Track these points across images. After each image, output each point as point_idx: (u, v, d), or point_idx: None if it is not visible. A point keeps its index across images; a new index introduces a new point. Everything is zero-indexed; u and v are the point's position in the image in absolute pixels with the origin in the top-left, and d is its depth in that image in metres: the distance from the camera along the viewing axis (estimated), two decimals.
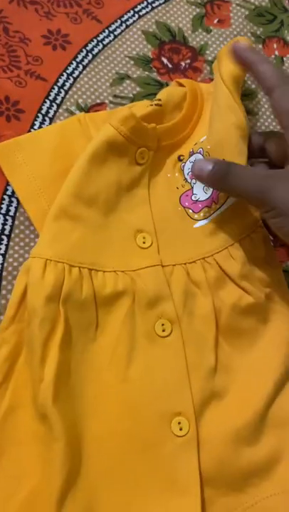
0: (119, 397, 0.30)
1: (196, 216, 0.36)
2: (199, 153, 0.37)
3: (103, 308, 0.32)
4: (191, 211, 0.36)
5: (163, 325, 0.32)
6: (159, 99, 0.37)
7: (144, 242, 0.35)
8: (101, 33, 0.44)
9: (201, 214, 0.36)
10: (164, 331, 0.32)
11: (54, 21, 0.43)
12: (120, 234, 0.34)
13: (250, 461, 0.30)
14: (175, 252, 0.35)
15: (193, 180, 0.37)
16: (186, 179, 0.37)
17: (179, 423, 0.30)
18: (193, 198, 0.37)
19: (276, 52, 0.47)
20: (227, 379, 0.32)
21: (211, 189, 0.36)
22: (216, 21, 0.46)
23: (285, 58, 0.47)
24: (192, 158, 0.37)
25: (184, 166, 0.37)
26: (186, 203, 0.37)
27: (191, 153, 0.37)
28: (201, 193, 0.36)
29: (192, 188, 0.37)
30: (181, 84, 0.40)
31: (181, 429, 0.30)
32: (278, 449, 0.31)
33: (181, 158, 0.37)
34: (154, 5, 0.46)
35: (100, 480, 0.29)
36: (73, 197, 0.33)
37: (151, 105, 0.37)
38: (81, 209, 0.33)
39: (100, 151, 0.34)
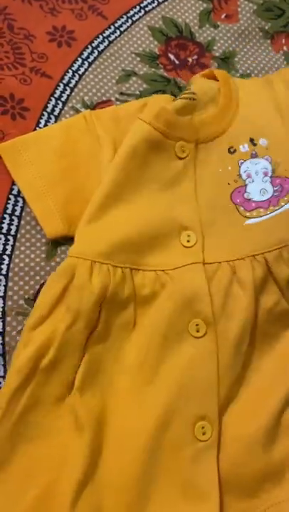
0: (146, 397, 0.30)
1: (247, 214, 0.35)
2: (267, 160, 0.36)
3: (141, 308, 0.32)
4: (242, 208, 0.35)
5: (197, 325, 0.31)
6: (193, 93, 0.37)
7: (188, 241, 0.34)
8: (107, 30, 0.43)
9: (254, 213, 0.35)
10: (198, 331, 0.31)
11: (59, 18, 0.43)
12: (164, 232, 0.34)
13: (265, 464, 0.29)
14: (222, 249, 0.33)
15: (249, 179, 0.36)
16: (240, 175, 0.36)
17: (203, 427, 0.29)
18: (245, 196, 0.35)
19: (285, 48, 0.46)
20: (243, 382, 0.31)
21: (270, 192, 0.35)
22: (223, 16, 0.46)
23: None
24: (255, 161, 0.36)
25: (242, 162, 0.36)
26: (238, 200, 0.35)
27: (254, 155, 0.36)
28: (257, 194, 0.35)
29: (246, 185, 0.36)
30: (208, 76, 0.39)
31: (204, 434, 0.29)
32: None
33: (232, 150, 0.36)
34: (160, 0, 0.45)
35: (117, 478, 0.29)
36: (113, 197, 0.33)
37: (184, 98, 0.36)
38: (123, 208, 0.33)
39: (138, 149, 0.34)
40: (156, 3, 0.45)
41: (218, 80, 0.38)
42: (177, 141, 0.35)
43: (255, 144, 0.36)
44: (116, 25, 0.44)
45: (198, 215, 0.34)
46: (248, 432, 0.30)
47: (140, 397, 0.30)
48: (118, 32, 0.43)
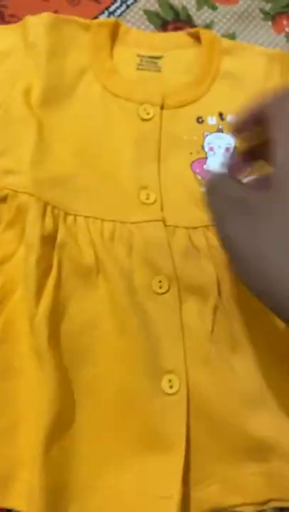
0: (115, 348, 0.31)
1: (204, 183, 0.35)
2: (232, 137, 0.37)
3: (102, 257, 0.32)
4: (200, 177, 0.36)
5: (160, 282, 0.32)
6: (160, 67, 0.38)
7: (147, 198, 0.34)
8: (100, 15, 0.42)
9: None
10: (160, 287, 0.32)
11: (51, 3, 0.42)
12: (124, 188, 0.35)
13: (238, 432, 0.30)
14: (179, 214, 0.34)
15: (211, 152, 0.37)
16: (203, 147, 0.37)
17: (170, 381, 0.30)
18: (205, 167, 0.37)
19: (286, 29, 0.44)
20: (225, 348, 0.32)
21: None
22: None
23: None
24: (220, 136, 0.37)
25: (207, 135, 0.37)
26: (197, 170, 0.36)
27: (220, 130, 0.37)
28: (217, 167, 0.36)
29: (207, 158, 0.37)
30: (194, 36, 0.40)
31: (171, 387, 0.30)
32: (268, 435, 0.30)
33: (200, 120, 0.37)
34: None
35: (85, 429, 0.30)
36: (77, 150, 0.35)
37: (147, 70, 0.38)
38: (85, 160, 0.35)
39: (102, 106, 0.36)
40: None
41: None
42: (141, 104, 0.36)
43: (223, 119, 0.37)
44: (110, 10, 0.42)
45: (158, 178, 0.35)
46: (226, 394, 0.30)
47: (109, 348, 0.31)
48: (112, 17, 0.42)
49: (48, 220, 0.32)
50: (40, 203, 0.32)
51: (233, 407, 0.30)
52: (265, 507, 0.30)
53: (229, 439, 0.30)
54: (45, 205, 0.32)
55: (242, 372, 0.31)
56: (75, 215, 0.33)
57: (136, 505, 0.29)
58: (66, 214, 0.33)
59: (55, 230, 0.32)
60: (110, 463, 0.29)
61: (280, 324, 0.32)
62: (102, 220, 0.33)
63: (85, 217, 0.33)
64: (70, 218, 0.33)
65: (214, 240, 0.34)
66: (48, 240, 0.32)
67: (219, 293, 0.33)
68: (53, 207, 0.32)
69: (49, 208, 0.32)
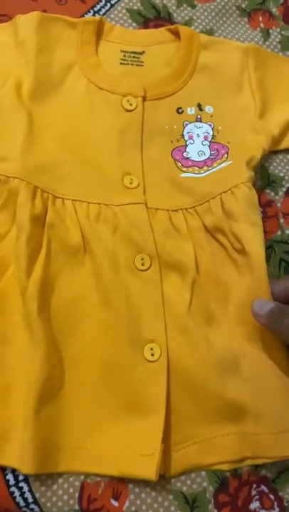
0: (100, 320, 0.33)
1: (184, 169, 0.39)
2: (210, 126, 0.40)
3: (88, 237, 0.35)
4: (180, 164, 0.39)
5: (142, 259, 0.34)
6: (142, 62, 0.41)
7: (130, 183, 0.37)
8: (86, 14, 0.44)
9: (190, 169, 0.39)
10: (143, 265, 0.34)
11: (39, 3, 0.44)
12: (108, 173, 0.37)
13: (215, 396, 0.32)
14: (160, 198, 0.37)
15: (190, 140, 0.39)
16: (183, 135, 0.39)
17: (151, 349, 0.32)
18: (184, 154, 0.39)
19: (262, 25, 0.47)
20: (201, 321, 0.34)
21: (206, 155, 0.39)
22: None
23: (270, 31, 0.47)
24: (199, 125, 0.40)
25: (186, 124, 0.40)
26: (177, 157, 0.39)
27: (198, 119, 0.40)
28: (195, 155, 0.39)
29: (186, 145, 0.39)
30: (173, 31, 0.42)
31: (152, 355, 0.32)
32: (242, 398, 0.32)
33: (180, 111, 0.40)
34: None
35: (73, 394, 0.32)
36: (63, 139, 0.37)
37: (130, 64, 0.41)
38: (72, 148, 0.37)
39: (87, 99, 0.39)
40: None
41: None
42: (124, 96, 0.39)
43: (201, 110, 0.40)
44: (95, 9, 0.45)
45: (141, 164, 0.38)
46: (204, 361, 0.32)
47: (94, 320, 0.33)
48: (97, 15, 0.44)
49: (38, 203, 0.34)
50: (30, 187, 0.35)
51: (210, 374, 0.32)
52: (240, 465, 0.33)
53: (206, 403, 0.32)
54: (35, 188, 0.35)
55: (216, 343, 0.33)
56: (63, 199, 0.35)
57: (119, 461, 0.31)
58: (55, 197, 0.35)
59: (45, 212, 0.35)
60: (96, 425, 0.31)
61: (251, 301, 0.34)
62: (88, 203, 0.36)
63: (72, 200, 0.35)
64: (58, 201, 0.35)
65: (193, 221, 0.36)
66: (38, 221, 0.34)
67: (197, 270, 0.35)
68: (42, 191, 0.35)
69: (39, 192, 0.35)
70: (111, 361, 0.32)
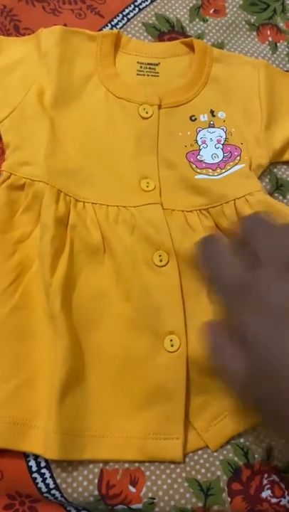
0: (120, 314, 0.35)
1: (198, 170, 0.40)
2: (222, 130, 0.42)
3: (108, 237, 0.36)
4: (194, 166, 0.41)
5: (160, 256, 0.36)
6: (157, 73, 0.43)
7: (147, 186, 0.39)
8: (104, 27, 0.47)
9: (204, 171, 0.40)
10: (161, 261, 0.36)
11: (60, 17, 0.47)
12: (126, 177, 0.39)
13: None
14: (175, 199, 0.39)
15: (204, 145, 0.41)
16: (196, 141, 0.41)
17: (171, 340, 0.34)
18: (198, 157, 0.41)
19: (270, 39, 0.49)
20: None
21: (220, 157, 0.41)
22: (212, 11, 0.49)
23: (278, 44, 0.49)
24: (212, 130, 0.42)
25: (199, 130, 0.42)
26: (191, 159, 0.41)
27: (211, 125, 0.42)
28: (208, 157, 0.41)
29: (200, 150, 0.41)
30: (187, 44, 0.45)
31: (172, 346, 0.34)
32: None
33: (193, 118, 0.42)
34: None
35: (96, 384, 0.33)
36: (83, 145, 0.39)
37: (146, 74, 0.43)
38: (91, 154, 0.39)
39: (106, 107, 0.41)
40: (149, 1, 0.48)
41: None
42: (141, 104, 0.41)
43: (214, 116, 0.42)
44: (112, 23, 0.47)
45: (157, 168, 0.40)
46: None
47: (115, 314, 0.35)
48: (115, 29, 0.47)
49: (61, 205, 0.37)
50: (54, 190, 0.37)
51: None
52: None
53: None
54: (58, 192, 0.37)
55: None
56: (84, 202, 0.38)
57: (144, 447, 0.32)
58: (76, 201, 0.37)
59: (67, 214, 0.37)
60: (119, 413, 0.33)
61: None
62: (108, 205, 0.38)
63: (93, 203, 0.38)
64: (79, 204, 0.37)
65: (207, 222, 0.38)
66: (61, 222, 0.36)
67: None
68: (65, 194, 0.37)
69: (62, 195, 0.37)
70: (132, 352, 0.34)
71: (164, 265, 0.36)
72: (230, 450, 0.34)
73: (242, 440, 0.35)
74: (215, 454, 0.34)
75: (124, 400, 0.33)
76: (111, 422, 0.33)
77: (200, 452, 0.34)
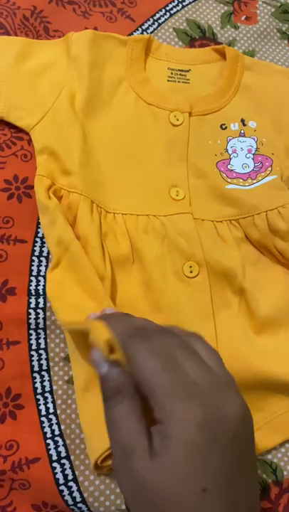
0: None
1: (229, 180, 0.40)
2: (253, 139, 0.41)
3: (137, 247, 0.36)
4: (225, 175, 0.40)
5: (191, 267, 0.36)
6: (188, 79, 0.43)
7: (177, 195, 0.39)
8: (135, 31, 0.46)
9: (234, 181, 0.40)
10: (191, 272, 0.36)
11: (90, 20, 0.46)
12: (156, 186, 0.39)
13: (264, 377, 0.33)
14: (205, 209, 0.39)
15: (234, 154, 0.41)
16: (227, 150, 0.41)
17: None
18: (228, 167, 0.41)
19: None
20: (250, 324, 0.36)
21: (250, 167, 0.40)
22: (243, 18, 0.49)
23: None
24: (242, 139, 0.41)
25: (230, 139, 0.41)
26: (222, 168, 0.41)
27: (242, 134, 0.41)
28: (239, 167, 0.41)
29: (230, 159, 0.41)
30: (219, 51, 0.44)
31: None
32: None
33: (224, 127, 0.42)
34: (184, 3, 0.48)
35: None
36: (113, 152, 0.39)
37: (177, 81, 0.43)
38: (121, 162, 0.39)
39: (136, 114, 0.41)
40: (180, 6, 0.48)
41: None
42: (172, 111, 0.41)
43: (244, 125, 0.42)
44: (143, 27, 0.47)
45: (187, 176, 0.39)
46: (244, 361, 0.34)
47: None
48: (145, 34, 0.46)
49: (95, 215, 0.36)
50: (87, 201, 0.36)
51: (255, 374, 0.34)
52: None
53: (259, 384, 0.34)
54: (92, 203, 0.36)
55: (260, 343, 0.35)
56: (114, 213, 0.37)
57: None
58: (106, 212, 0.37)
59: (100, 224, 0.36)
60: None
61: None
62: (137, 215, 0.37)
63: (122, 214, 0.37)
64: (109, 216, 0.37)
65: (237, 233, 0.38)
66: (98, 232, 0.36)
67: (244, 275, 0.36)
68: (97, 205, 0.37)
69: (94, 206, 0.37)
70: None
71: (195, 276, 0.36)
72: (258, 467, 0.34)
73: (269, 457, 0.34)
74: None
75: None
76: None
77: None
